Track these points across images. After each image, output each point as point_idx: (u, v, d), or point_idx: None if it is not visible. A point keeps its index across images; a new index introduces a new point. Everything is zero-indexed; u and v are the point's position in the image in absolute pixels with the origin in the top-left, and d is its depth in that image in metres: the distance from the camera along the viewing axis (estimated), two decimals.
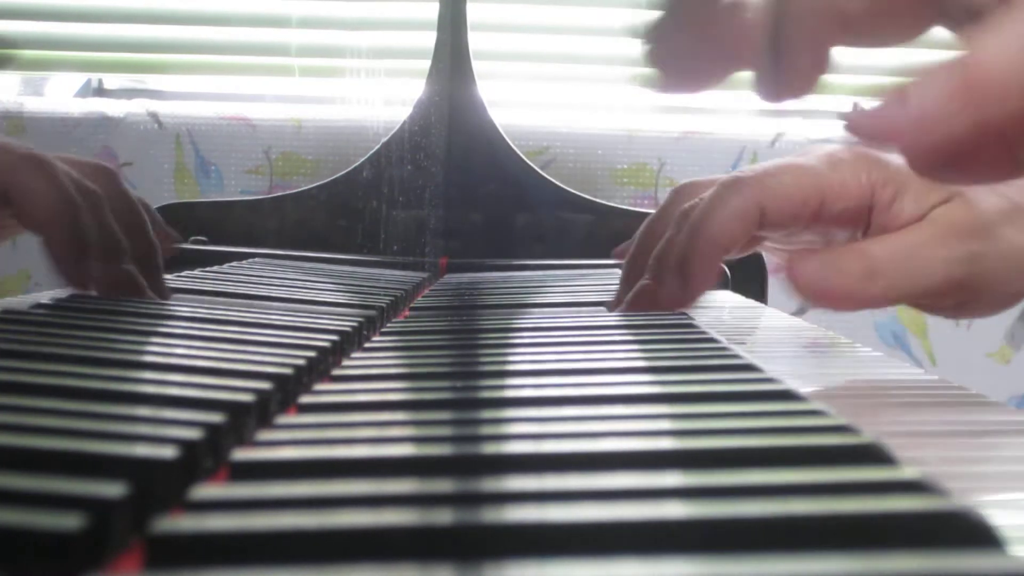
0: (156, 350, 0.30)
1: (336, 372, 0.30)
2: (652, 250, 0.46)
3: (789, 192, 0.42)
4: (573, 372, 0.29)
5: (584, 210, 0.92)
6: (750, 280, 0.77)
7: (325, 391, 0.27)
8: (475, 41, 0.93)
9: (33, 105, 1.10)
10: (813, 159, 0.44)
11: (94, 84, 1.20)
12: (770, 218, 0.43)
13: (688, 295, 0.43)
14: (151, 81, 1.20)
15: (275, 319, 0.38)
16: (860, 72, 1.14)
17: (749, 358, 0.31)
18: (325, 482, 0.18)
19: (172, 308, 0.40)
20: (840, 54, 0.30)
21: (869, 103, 0.27)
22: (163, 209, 0.92)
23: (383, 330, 0.41)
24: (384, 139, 0.91)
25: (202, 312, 0.38)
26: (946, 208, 0.41)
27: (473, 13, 0.94)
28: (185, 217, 0.91)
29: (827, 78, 0.30)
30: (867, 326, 1.13)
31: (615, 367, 0.30)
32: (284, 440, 0.21)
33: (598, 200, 0.93)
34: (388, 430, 0.23)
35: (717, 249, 0.43)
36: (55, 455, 0.18)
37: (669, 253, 0.44)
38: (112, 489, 0.16)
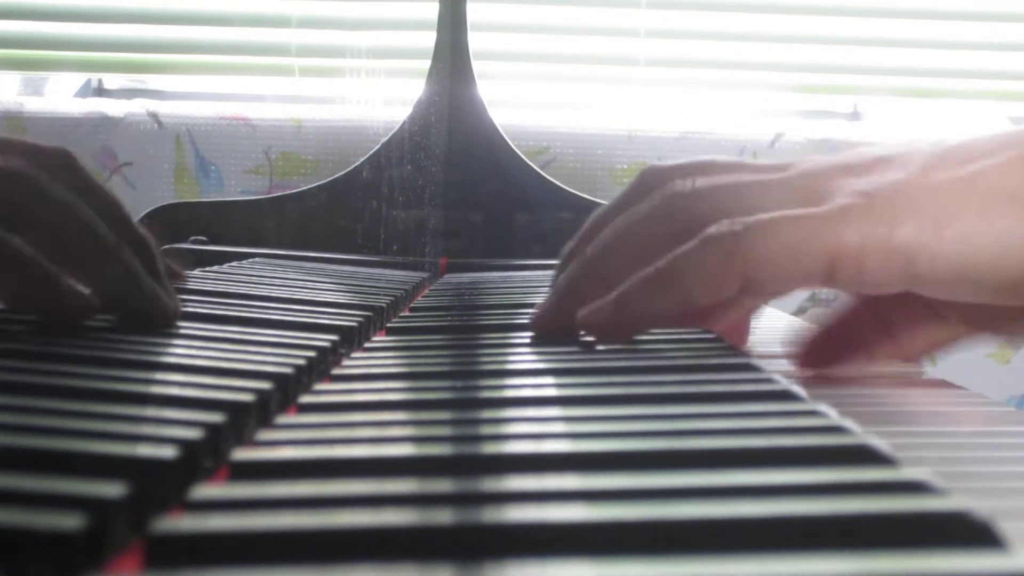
0: (156, 350, 0.30)
1: (336, 372, 0.30)
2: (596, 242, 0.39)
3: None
4: (573, 372, 0.29)
5: (584, 210, 0.91)
6: None
7: (325, 391, 0.27)
8: (475, 41, 0.93)
9: (33, 105, 1.10)
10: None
11: (94, 84, 1.19)
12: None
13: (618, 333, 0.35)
14: (151, 81, 1.20)
15: (275, 319, 0.38)
16: (862, 72, 1.14)
17: (749, 357, 0.31)
18: (325, 482, 0.18)
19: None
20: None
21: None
22: (163, 209, 0.92)
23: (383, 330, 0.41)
24: (384, 139, 0.91)
25: (202, 312, 0.38)
26: None
27: (473, 13, 0.94)
28: (185, 217, 0.91)
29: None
30: None
31: (615, 367, 0.30)
32: (284, 440, 0.22)
33: (598, 200, 0.93)
34: (388, 430, 0.23)
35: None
36: (55, 455, 0.18)
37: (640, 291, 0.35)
38: (112, 489, 0.16)
